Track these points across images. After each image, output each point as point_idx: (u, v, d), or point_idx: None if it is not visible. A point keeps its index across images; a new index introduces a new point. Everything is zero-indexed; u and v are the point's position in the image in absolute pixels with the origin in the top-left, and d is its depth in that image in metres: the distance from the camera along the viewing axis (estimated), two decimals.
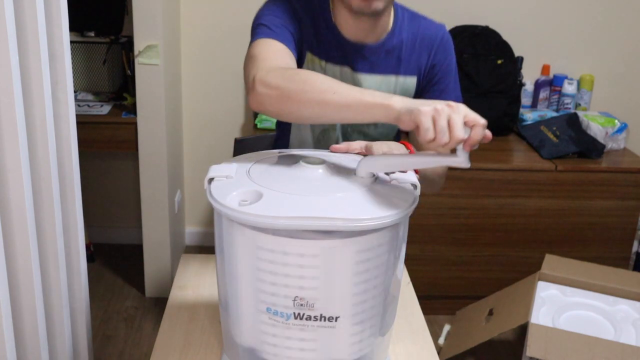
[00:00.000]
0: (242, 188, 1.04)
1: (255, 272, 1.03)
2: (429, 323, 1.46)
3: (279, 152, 1.22)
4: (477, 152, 2.66)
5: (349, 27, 1.32)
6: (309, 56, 1.33)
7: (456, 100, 1.16)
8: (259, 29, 1.25)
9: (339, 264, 1.01)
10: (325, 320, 1.04)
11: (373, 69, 1.36)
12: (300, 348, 1.06)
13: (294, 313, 1.03)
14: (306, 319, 1.03)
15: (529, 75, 3.02)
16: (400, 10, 1.38)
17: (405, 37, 1.36)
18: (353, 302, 1.04)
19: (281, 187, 1.05)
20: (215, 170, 1.10)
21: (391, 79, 1.38)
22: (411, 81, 1.39)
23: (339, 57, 1.34)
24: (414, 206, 1.05)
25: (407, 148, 1.22)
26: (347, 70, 1.37)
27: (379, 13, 1.27)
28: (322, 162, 1.12)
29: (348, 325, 1.06)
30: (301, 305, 1.02)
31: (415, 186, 1.10)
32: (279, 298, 1.03)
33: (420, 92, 1.41)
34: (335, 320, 1.04)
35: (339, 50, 1.32)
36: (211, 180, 1.09)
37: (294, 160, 1.16)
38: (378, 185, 1.09)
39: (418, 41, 1.36)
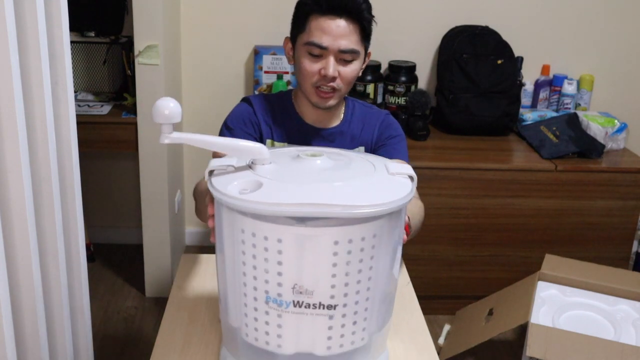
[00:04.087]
0: (242, 178, 1.06)
1: (254, 260, 1.05)
2: (429, 323, 1.47)
3: (279, 147, 1.24)
4: (477, 152, 2.68)
5: (311, 114, 1.62)
6: (269, 142, 1.61)
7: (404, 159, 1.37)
8: (222, 131, 1.60)
9: (333, 252, 1.02)
10: (323, 308, 1.05)
11: (329, 146, 1.65)
12: (298, 335, 1.08)
13: (293, 301, 1.04)
14: (305, 306, 1.05)
15: (529, 75, 3.02)
16: (351, 102, 1.68)
17: (356, 121, 1.66)
18: (350, 291, 1.06)
19: (280, 177, 1.07)
20: (215, 163, 1.12)
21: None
22: (360, 149, 1.68)
23: (300, 139, 1.62)
24: (411, 196, 1.06)
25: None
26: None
27: (331, 108, 1.58)
28: (320, 154, 1.15)
29: (346, 315, 1.07)
30: (300, 293, 1.04)
31: (412, 178, 1.13)
32: (278, 286, 1.04)
33: (372, 152, 1.67)
34: (334, 309, 1.05)
35: (301, 134, 1.60)
36: (211, 172, 1.10)
37: (293, 153, 1.18)
38: (376, 177, 1.11)
39: (366, 122, 1.67)
